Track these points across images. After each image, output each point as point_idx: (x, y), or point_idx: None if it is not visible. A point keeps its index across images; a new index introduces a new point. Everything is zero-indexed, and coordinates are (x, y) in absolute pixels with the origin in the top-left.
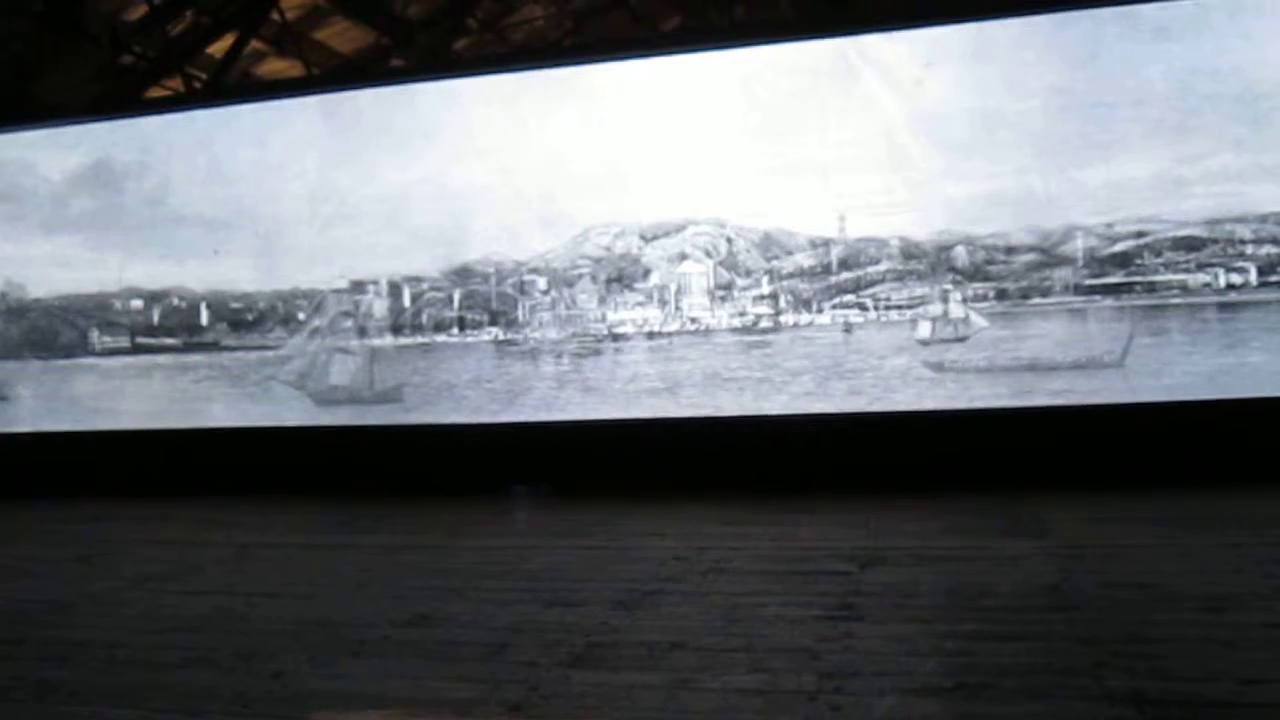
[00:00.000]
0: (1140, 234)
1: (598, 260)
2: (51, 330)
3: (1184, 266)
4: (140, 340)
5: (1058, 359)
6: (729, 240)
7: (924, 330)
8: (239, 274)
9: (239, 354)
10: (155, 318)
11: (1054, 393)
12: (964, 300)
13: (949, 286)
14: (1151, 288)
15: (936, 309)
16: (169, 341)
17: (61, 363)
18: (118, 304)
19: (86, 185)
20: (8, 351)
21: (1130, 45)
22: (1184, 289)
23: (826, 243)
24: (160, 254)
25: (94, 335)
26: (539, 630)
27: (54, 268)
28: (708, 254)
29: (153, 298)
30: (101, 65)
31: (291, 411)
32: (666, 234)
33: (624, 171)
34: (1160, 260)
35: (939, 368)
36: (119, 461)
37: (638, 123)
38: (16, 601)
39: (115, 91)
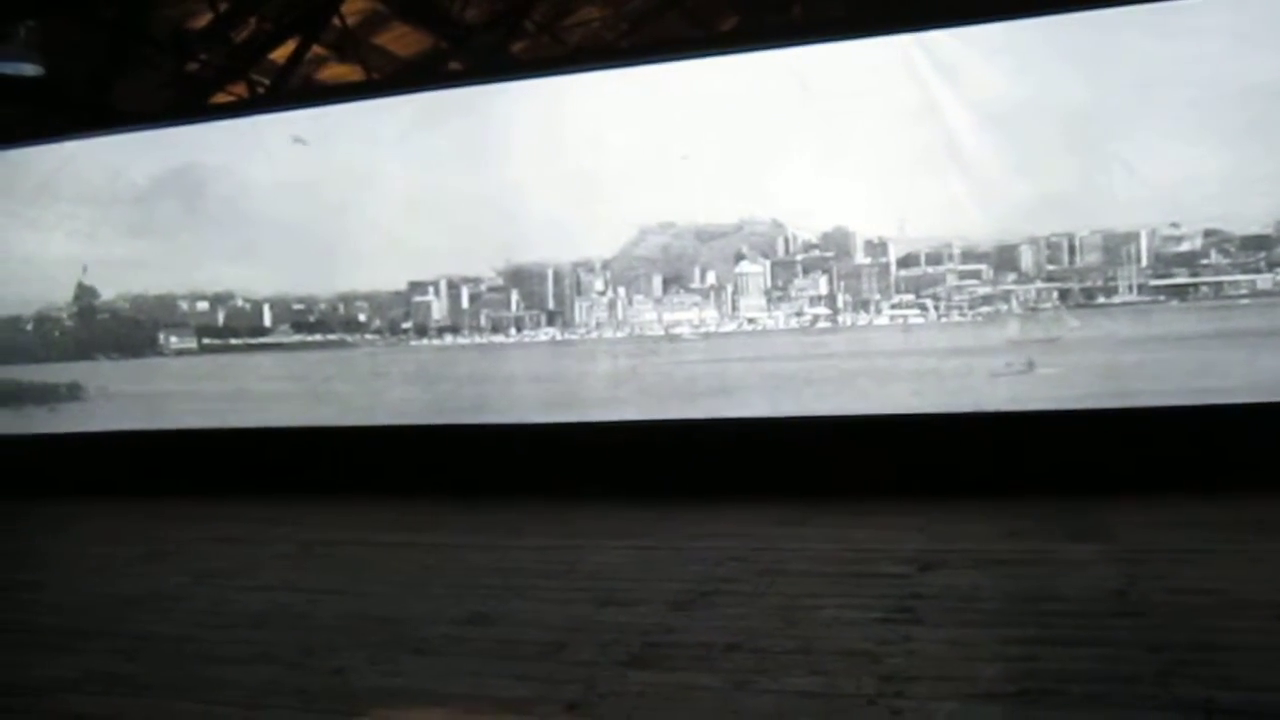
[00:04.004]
0: (1208, 233)
1: (654, 260)
2: (121, 331)
3: (1252, 266)
4: (207, 341)
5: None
6: (786, 240)
7: (1013, 329)
8: (301, 276)
9: (300, 353)
10: (220, 319)
11: (1117, 394)
12: (1058, 298)
13: (1011, 287)
14: (1219, 288)
15: (1019, 308)
16: (234, 342)
17: (131, 363)
18: (184, 306)
19: (154, 190)
20: (80, 352)
21: (1199, 40)
22: (1252, 289)
23: (885, 243)
24: (226, 257)
25: (162, 336)
26: (596, 630)
27: (126, 270)
28: (764, 254)
29: (217, 299)
30: (169, 72)
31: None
32: (723, 234)
33: (681, 172)
34: (1228, 260)
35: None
36: (184, 460)
37: (695, 123)
38: (86, 597)
39: (182, 98)
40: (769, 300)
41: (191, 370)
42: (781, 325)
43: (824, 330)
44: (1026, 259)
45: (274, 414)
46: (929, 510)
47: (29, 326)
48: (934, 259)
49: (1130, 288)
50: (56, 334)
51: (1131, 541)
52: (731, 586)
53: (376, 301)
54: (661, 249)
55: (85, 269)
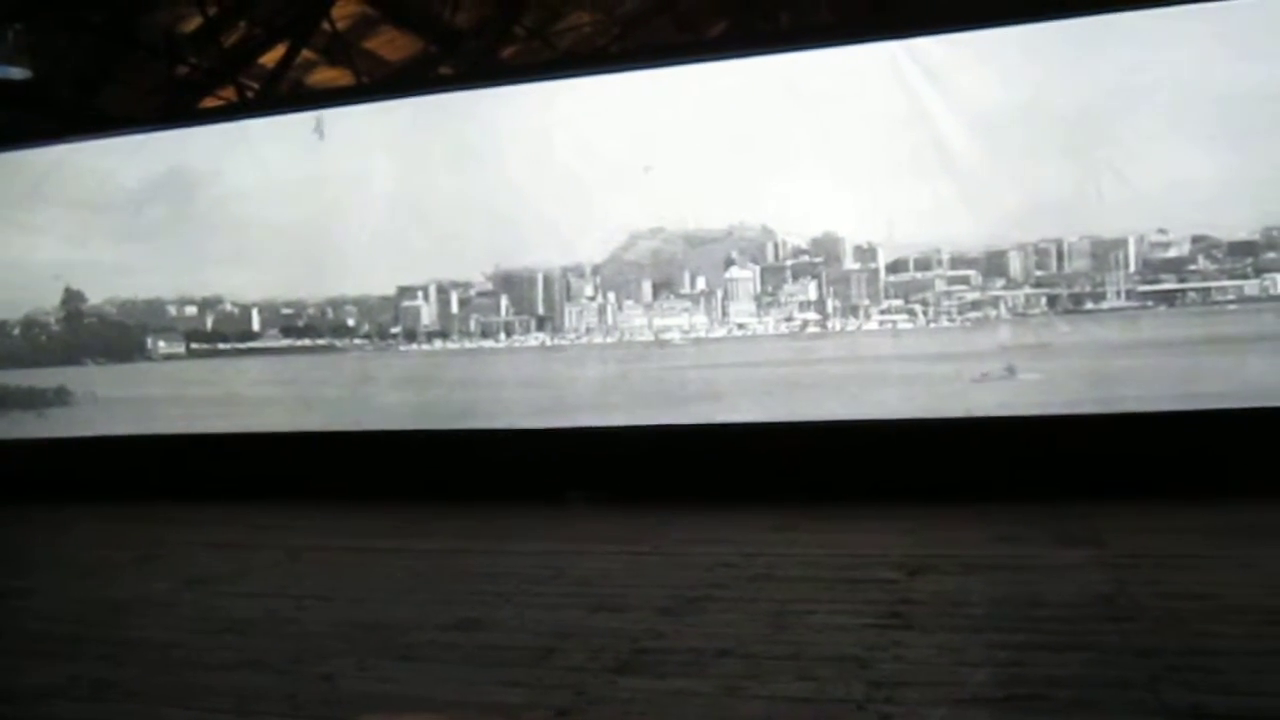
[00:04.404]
0: (1196, 239)
1: (644, 266)
2: (109, 336)
3: (1240, 272)
4: (195, 346)
5: None
6: (776, 246)
7: (1001, 334)
8: (290, 281)
9: (289, 358)
10: (209, 324)
11: (1100, 400)
12: (1046, 304)
13: (1000, 292)
14: (1206, 294)
15: (1008, 314)
16: (222, 347)
17: (119, 368)
18: (172, 310)
19: (143, 195)
20: (67, 357)
21: (1185, 47)
22: (1240, 295)
23: (875, 248)
24: (214, 261)
25: (150, 341)
26: (586, 635)
27: (114, 274)
28: (754, 260)
29: (205, 304)
30: (158, 76)
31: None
32: (714, 240)
33: (671, 177)
34: (1215, 266)
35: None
36: (173, 465)
37: (685, 128)
38: (75, 602)
39: (171, 102)
40: (759, 306)
41: (180, 375)
42: (771, 330)
43: (813, 336)
44: (1015, 265)
45: (263, 419)
46: (919, 515)
47: (16, 331)
48: (923, 264)
49: (1118, 293)
50: (44, 339)
51: (1121, 546)
52: (722, 592)
53: (365, 306)
54: (651, 254)
55: (57, 277)
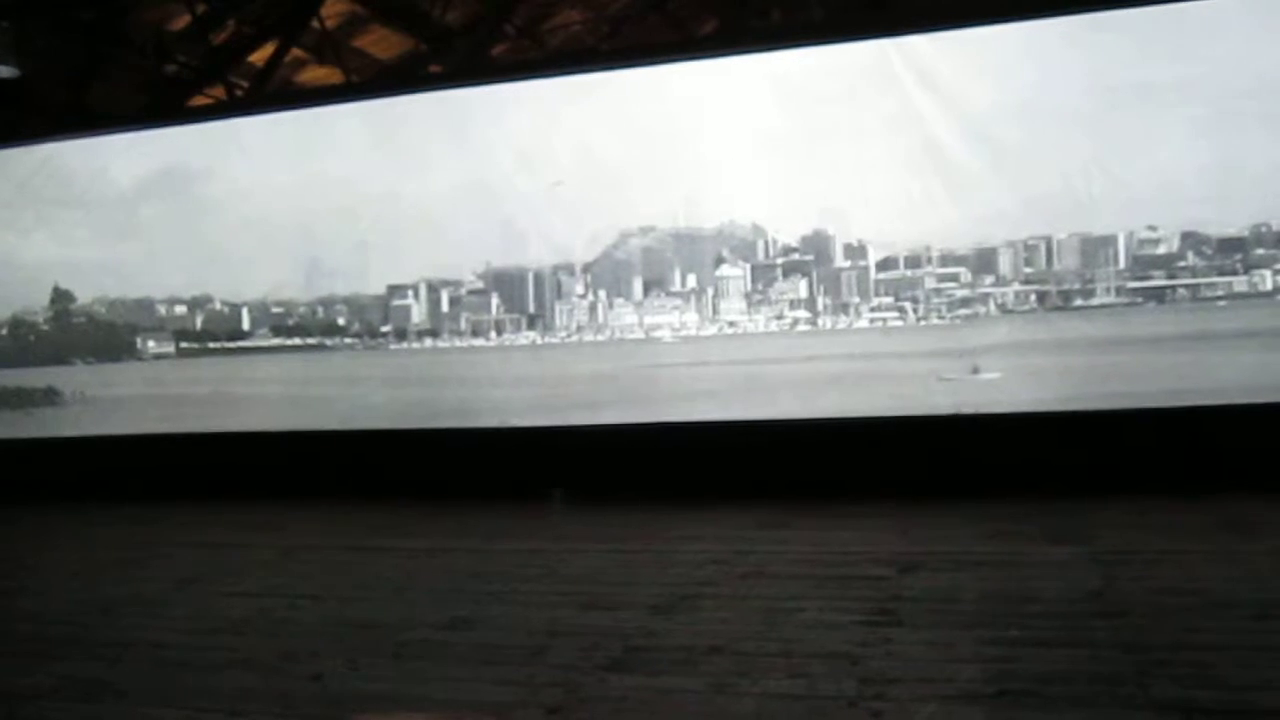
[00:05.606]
0: (1185, 235)
1: (634, 264)
2: (98, 336)
3: (1229, 268)
4: (184, 345)
5: None
6: (766, 244)
7: (983, 333)
8: (280, 280)
9: (279, 357)
10: (198, 323)
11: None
12: (1035, 300)
13: (989, 290)
14: (1196, 290)
15: (997, 311)
16: (212, 346)
17: (109, 367)
18: (162, 310)
19: (133, 193)
20: (56, 357)
21: (1174, 43)
22: (1229, 291)
23: (865, 246)
24: (204, 260)
25: (140, 341)
26: (577, 634)
27: (102, 274)
28: (745, 258)
29: (195, 303)
30: (146, 75)
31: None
32: (704, 238)
33: (661, 176)
34: (1205, 262)
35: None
36: (164, 465)
37: (676, 127)
38: (66, 602)
39: (160, 100)
40: (749, 303)
41: (169, 374)
42: (762, 328)
43: (804, 333)
44: (1004, 262)
45: (252, 418)
46: (909, 513)
47: (4, 331)
48: (913, 262)
49: (1108, 290)
50: (31, 338)
51: (1110, 542)
52: (713, 590)
53: (356, 305)
54: (642, 252)
55: (28, 282)
